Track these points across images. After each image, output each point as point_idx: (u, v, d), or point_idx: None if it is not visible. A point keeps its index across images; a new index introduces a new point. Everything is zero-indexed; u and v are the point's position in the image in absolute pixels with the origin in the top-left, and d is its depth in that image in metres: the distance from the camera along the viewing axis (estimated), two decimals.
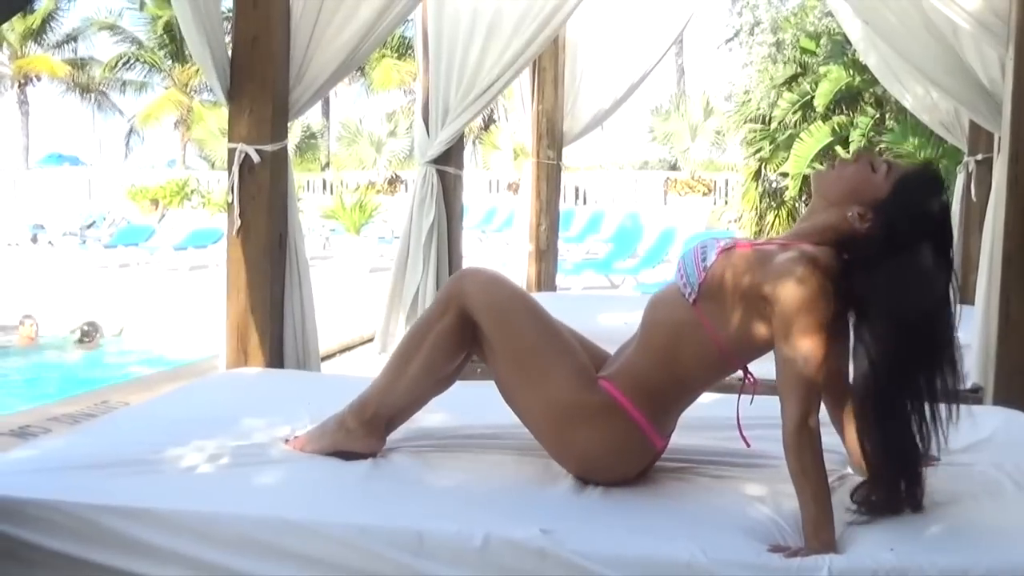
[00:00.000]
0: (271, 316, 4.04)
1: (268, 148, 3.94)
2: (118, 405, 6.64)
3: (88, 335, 11.11)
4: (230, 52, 3.94)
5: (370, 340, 9.90)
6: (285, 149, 4.04)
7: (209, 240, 16.91)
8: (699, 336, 2.52)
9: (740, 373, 2.67)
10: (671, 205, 25.10)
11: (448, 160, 5.20)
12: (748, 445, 2.70)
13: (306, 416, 3.17)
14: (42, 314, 11.38)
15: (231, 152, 3.95)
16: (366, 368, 7.43)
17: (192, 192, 24.42)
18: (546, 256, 7.10)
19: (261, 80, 3.92)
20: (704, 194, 26.08)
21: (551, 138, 7.04)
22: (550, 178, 7.08)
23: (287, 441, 2.86)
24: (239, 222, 3.96)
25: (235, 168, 3.93)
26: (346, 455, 2.72)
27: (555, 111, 7.02)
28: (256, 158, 3.91)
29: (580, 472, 2.60)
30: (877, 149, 12.17)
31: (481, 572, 2.26)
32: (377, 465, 2.69)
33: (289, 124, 4.13)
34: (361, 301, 12.95)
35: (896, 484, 2.40)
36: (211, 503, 2.42)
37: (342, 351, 9.43)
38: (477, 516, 2.37)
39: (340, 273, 15.93)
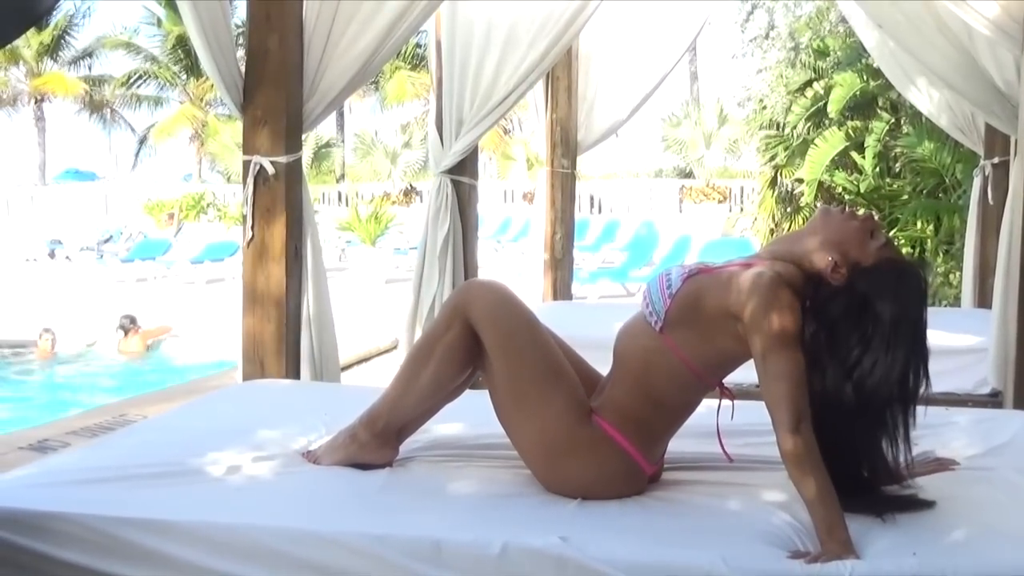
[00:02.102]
0: (288, 328, 4.04)
1: (283, 160, 3.94)
2: (136, 418, 6.68)
3: (126, 329, 11.21)
4: (243, 65, 3.94)
5: (387, 351, 9.94)
6: (299, 161, 4.04)
7: (226, 253, 17.02)
8: (669, 361, 2.55)
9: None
10: (686, 213, 25.08)
11: (463, 170, 5.18)
12: (730, 460, 2.71)
13: (322, 427, 3.17)
14: (61, 329, 11.45)
15: (246, 164, 3.96)
16: (383, 379, 7.41)
17: (208, 205, 24.54)
18: (562, 265, 7.08)
19: (275, 92, 3.93)
20: (719, 201, 26.05)
21: (565, 147, 7.03)
22: (564, 187, 7.07)
23: (304, 454, 2.86)
24: (252, 234, 3.96)
25: (250, 180, 3.94)
26: (361, 466, 2.73)
27: (569, 120, 7.01)
28: (271, 170, 3.92)
29: (567, 495, 2.58)
30: (893, 153, 12.15)
31: None
32: (394, 475, 2.69)
33: (304, 136, 4.13)
34: (377, 312, 12.97)
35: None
36: (229, 514, 2.43)
37: (359, 362, 9.45)
38: (494, 524, 2.37)
39: (356, 284, 15.97)
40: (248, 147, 3.97)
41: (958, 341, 5.25)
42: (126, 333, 11.23)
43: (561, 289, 7.07)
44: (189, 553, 2.37)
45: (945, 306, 9.39)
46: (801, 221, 14.92)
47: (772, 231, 15.68)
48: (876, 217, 2.64)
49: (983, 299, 6.38)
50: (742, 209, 24.18)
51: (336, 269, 18.06)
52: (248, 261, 4.02)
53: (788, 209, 15.62)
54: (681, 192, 26.80)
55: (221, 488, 2.60)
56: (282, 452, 2.86)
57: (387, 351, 10.00)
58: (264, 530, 2.37)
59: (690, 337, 2.52)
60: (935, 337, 5.40)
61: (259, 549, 2.35)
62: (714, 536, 2.29)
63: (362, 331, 10.69)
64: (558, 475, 2.56)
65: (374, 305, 13.82)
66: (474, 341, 2.63)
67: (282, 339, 4.02)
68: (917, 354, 2.41)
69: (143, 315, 11.84)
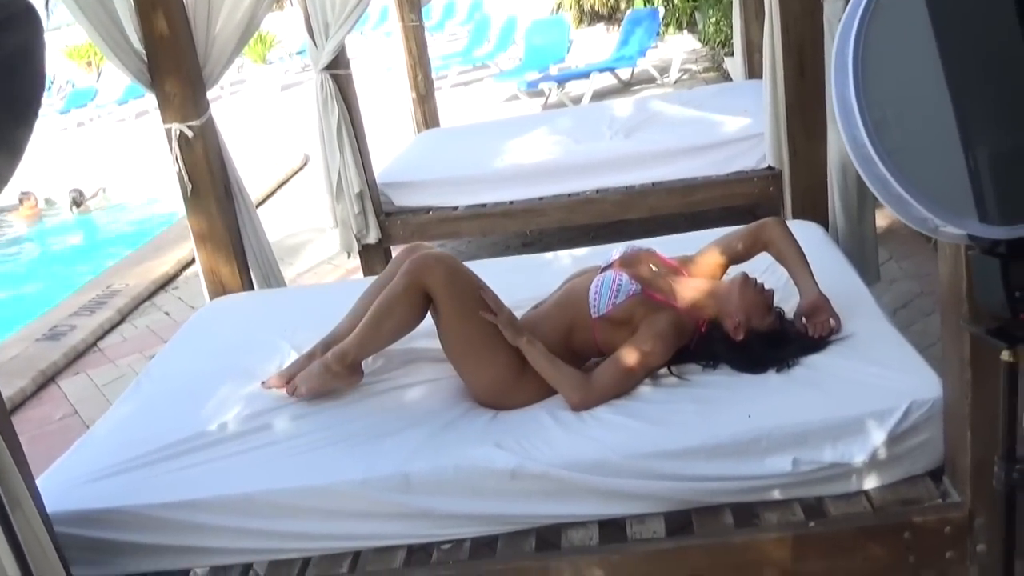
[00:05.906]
0: (234, 250, 3.93)
1: (196, 123, 3.72)
2: (121, 287, 6.51)
3: (77, 202, 10.51)
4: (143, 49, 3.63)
5: (300, 169, 9.58)
6: (211, 118, 3.80)
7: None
8: (588, 336, 2.64)
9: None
10: None
11: (337, 64, 4.90)
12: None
13: (288, 347, 3.15)
14: (36, 187, 10.62)
15: (168, 132, 3.72)
16: (304, 206, 7.11)
17: None
18: (427, 99, 6.86)
19: (175, 70, 3.64)
20: None
21: (410, 3, 6.64)
22: (417, 36, 6.74)
23: (285, 386, 2.83)
24: (191, 185, 3.78)
25: (174, 144, 3.73)
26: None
27: None
28: (189, 133, 3.70)
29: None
30: None
31: (462, 496, 2.36)
32: (357, 418, 2.66)
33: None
34: (280, 122, 12.40)
35: None
36: (250, 483, 2.45)
37: (280, 186, 9.11)
38: (448, 448, 2.43)
39: (256, 96, 15.25)
40: (165, 117, 3.72)
41: (740, 124, 5.22)
42: (78, 206, 10.38)
43: (430, 119, 6.88)
44: (225, 519, 2.42)
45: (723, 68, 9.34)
46: None
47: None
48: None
49: (752, 72, 6.40)
50: None
51: (237, 82, 17.14)
52: (191, 207, 3.85)
53: None
54: None
55: (235, 458, 2.57)
56: (267, 397, 2.84)
57: (300, 169, 9.64)
58: (278, 492, 2.41)
59: (608, 330, 2.60)
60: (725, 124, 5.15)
61: (277, 506, 2.41)
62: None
63: (273, 148, 10.27)
64: (501, 404, 2.63)
65: (276, 115, 13.21)
66: (425, 298, 2.62)
67: (232, 260, 3.92)
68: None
69: (91, 157, 10.90)
